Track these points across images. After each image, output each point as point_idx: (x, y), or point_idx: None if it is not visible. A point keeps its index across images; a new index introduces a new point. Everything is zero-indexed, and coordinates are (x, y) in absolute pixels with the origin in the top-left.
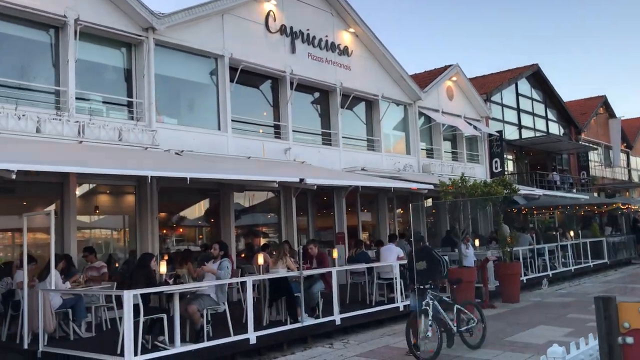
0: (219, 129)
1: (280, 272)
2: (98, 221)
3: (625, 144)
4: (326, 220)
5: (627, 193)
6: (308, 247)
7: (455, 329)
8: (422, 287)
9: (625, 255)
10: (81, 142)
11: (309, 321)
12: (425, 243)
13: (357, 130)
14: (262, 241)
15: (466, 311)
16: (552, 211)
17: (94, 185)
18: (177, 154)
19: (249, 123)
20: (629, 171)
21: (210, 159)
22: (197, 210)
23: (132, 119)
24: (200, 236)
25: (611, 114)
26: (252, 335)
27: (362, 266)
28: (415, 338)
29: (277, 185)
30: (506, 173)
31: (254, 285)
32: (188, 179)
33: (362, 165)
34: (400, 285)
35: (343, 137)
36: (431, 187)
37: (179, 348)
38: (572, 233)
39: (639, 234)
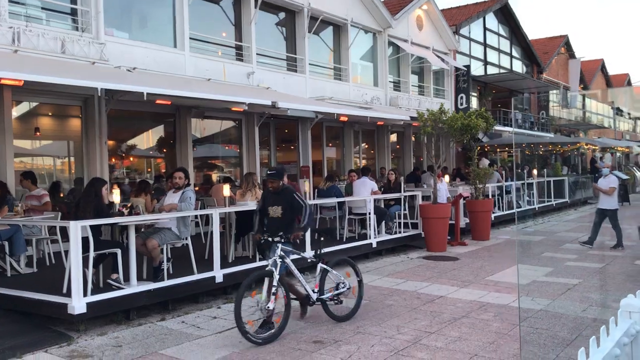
0: (175, 46)
1: (250, 204)
2: (40, 148)
3: (582, 86)
4: (289, 154)
5: (582, 134)
6: None
7: (314, 295)
8: (270, 239)
9: (584, 194)
10: (16, 51)
11: None
12: (291, 183)
13: (324, 58)
14: (214, 176)
15: (335, 272)
16: (517, 149)
17: (34, 104)
18: (128, 70)
19: (209, 42)
20: (584, 113)
21: (166, 79)
22: (150, 138)
23: (76, 29)
24: (149, 169)
25: (572, 54)
26: (218, 273)
27: (336, 200)
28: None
29: (246, 107)
30: (471, 109)
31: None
32: (145, 95)
33: (329, 95)
34: (374, 220)
35: (310, 64)
36: (407, 119)
37: (135, 287)
38: (535, 171)
39: (597, 174)
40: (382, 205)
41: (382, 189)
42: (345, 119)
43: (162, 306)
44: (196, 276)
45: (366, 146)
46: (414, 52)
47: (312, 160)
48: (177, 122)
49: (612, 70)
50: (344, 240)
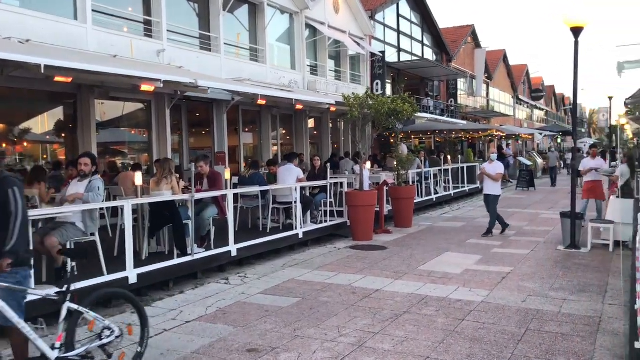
0: (76, 18)
1: (166, 194)
2: None
3: (486, 75)
4: (203, 139)
5: (486, 121)
6: (198, 164)
7: (53, 354)
8: None
9: None
10: None
11: (199, 253)
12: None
13: (240, 38)
14: (121, 164)
15: (94, 314)
16: (430, 135)
17: None
18: (21, 42)
19: (114, 16)
20: (488, 101)
21: (67, 54)
22: (47, 121)
23: None
24: (45, 156)
25: (477, 44)
26: (131, 273)
27: (259, 189)
28: None
29: (161, 85)
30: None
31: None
32: (42, 68)
33: (246, 77)
34: (300, 210)
35: (225, 44)
36: (332, 103)
37: (34, 292)
38: (449, 158)
39: (505, 161)
40: (308, 194)
41: (307, 176)
42: (263, 102)
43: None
44: (106, 277)
45: (284, 131)
46: (331, 35)
47: (228, 146)
48: (79, 103)
49: (512, 61)
50: (268, 231)
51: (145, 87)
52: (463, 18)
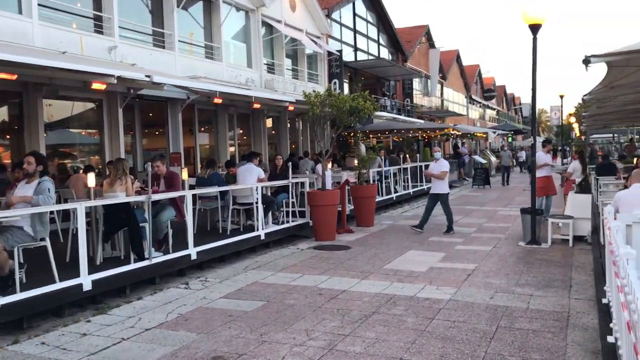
0: (21, 12)
1: (121, 196)
2: None
3: (440, 75)
4: (157, 140)
5: (441, 121)
6: (154, 164)
7: None
8: None
9: (449, 179)
10: None
11: (157, 257)
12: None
13: (195, 35)
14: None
15: None
16: (388, 134)
17: None
18: None
19: (62, 11)
20: (442, 101)
21: (11, 49)
22: None
23: None
24: None
25: (432, 44)
26: (85, 280)
27: (219, 189)
28: None
29: (114, 81)
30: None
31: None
32: None
33: (202, 75)
34: (262, 210)
35: (180, 41)
36: (293, 101)
37: None
38: (408, 157)
39: (460, 159)
40: (269, 194)
41: (268, 176)
42: (220, 101)
43: (15, 325)
44: (58, 285)
45: (241, 131)
46: (287, 33)
47: (184, 147)
48: (25, 103)
49: (465, 61)
50: (228, 233)
51: (96, 86)
52: (417, 18)
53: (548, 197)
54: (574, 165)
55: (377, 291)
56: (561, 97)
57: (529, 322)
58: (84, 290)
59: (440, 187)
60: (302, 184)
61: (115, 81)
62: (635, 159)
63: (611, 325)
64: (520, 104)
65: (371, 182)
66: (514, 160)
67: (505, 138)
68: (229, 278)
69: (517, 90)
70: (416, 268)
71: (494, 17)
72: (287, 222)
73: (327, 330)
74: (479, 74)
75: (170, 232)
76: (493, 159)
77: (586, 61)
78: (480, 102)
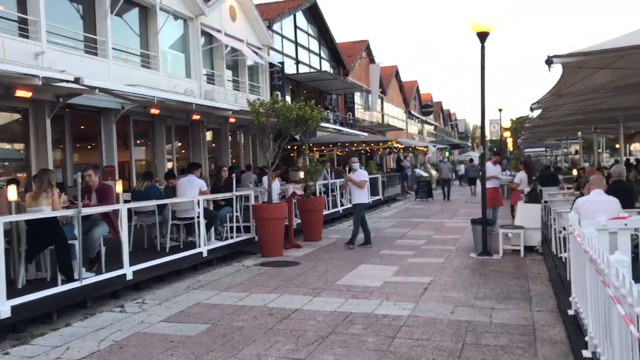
0: None
1: (46, 210)
2: None
3: (380, 90)
4: (89, 154)
5: (382, 135)
6: (86, 173)
7: None
8: None
9: (393, 192)
10: None
11: (89, 278)
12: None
13: (130, 43)
14: None
15: None
16: (332, 148)
17: None
18: None
19: None
20: (383, 115)
21: None
22: None
23: None
24: None
25: (372, 59)
26: (4, 306)
27: (157, 202)
28: None
29: (40, 82)
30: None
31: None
32: None
33: (137, 84)
34: (204, 225)
35: (114, 49)
36: (236, 109)
37: None
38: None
39: (403, 172)
40: (212, 208)
41: (211, 189)
42: (157, 112)
43: None
44: None
45: (180, 144)
46: (228, 43)
47: (118, 162)
48: None
49: (404, 77)
50: (167, 251)
51: (21, 93)
52: (357, 33)
53: (495, 209)
54: (520, 176)
55: (331, 309)
56: (500, 110)
57: (495, 337)
58: (1, 317)
59: (359, 196)
60: (247, 197)
61: (40, 82)
62: (575, 170)
63: (587, 338)
64: (456, 120)
65: (318, 194)
66: (454, 174)
67: (442, 152)
68: (169, 299)
69: (453, 107)
70: (370, 283)
71: (429, 34)
72: (232, 237)
73: (281, 354)
74: (417, 90)
75: (103, 250)
76: (434, 172)
77: (549, 61)
78: (418, 118)
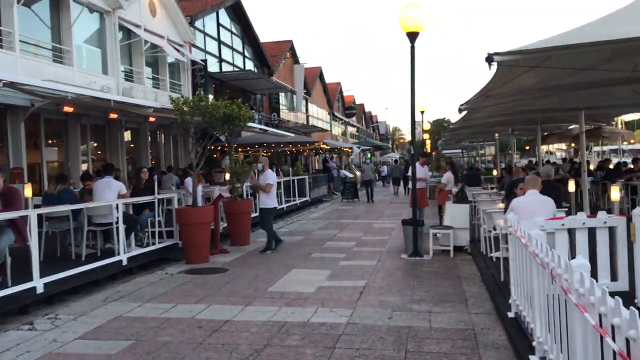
0: None
1: None
2: None
3: (305, 91)
4: None
5: (307, 136)
6: None
7: None
8: None
9: (319, 193)
10: None
11: None
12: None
13: (41, 35)
14: None
15: None
16: (257, 148)
17: None
18: None
19: None
20: (307, 116)
21: None
22: None
23: None
24: None
25: (296, 59)
26: None
27: (71, 207)
28: None
29: None
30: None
31: None
32: None
33: (48, 80)
34: (123, 231)
35: (21, 42)
36: (158, 106)
37: None
38: (281, 171)
39: (330, 173)
40: (131, 212)
41: (130, 192)
42: (71, 109)
43: None
44: None
45: (95, 145)
46: (148, 39)
47: (28, 164)
48: None
49: (327, 79)
50: (83, 259)
51: None
52: (281, 34)
53: (422, 209)
54: (447, 176)
55: (265, 319)
56: (422, 112)
57: (437, 343)
58: None
59: (265, 201)
60: (169, 200)
61: None
62: (495, 171)
63: (534, 343)
64: (377, 122)
65: (245, 196)
66: (377, 175)
67: (365, 154)
68: (86, 313)
69: (374, 109)
70: (304, 289)
71: (352, 36)
72: (153, 243)
73: None
74: (341, 92)
75: (9, 260)
76: (358, 173)
77: (489, 59)
78: (342, 119)
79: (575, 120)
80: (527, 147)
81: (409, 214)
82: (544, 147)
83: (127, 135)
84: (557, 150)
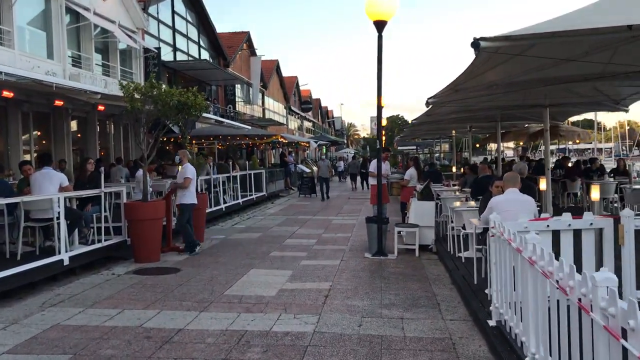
0: None
1: None
2: None
3: (262, 84)
4: None
5: (264, 129)
6: None
7: None
8: None
9: (276, 188)
10: None
11: None
12: None
13: None
14: None
15: None
16: (212, 141)
17: None
18: None
19: None
20: (264, 110)
21: None
22: None
23: None
24: None
25: (253, 51)
26: None
27: (5, 201)
28: None
29: None
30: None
31: None
32: None
33: None
34: (65, 228)
35: None
36: (110, 93)
37: None
38: (237, 165)
39: (287, 168)
40: (75, 206)
41: (74, 184)
42: (10, 94)
43: None
44: None
45: (39, 134)
46: (97, 23)
47: None
48: None
49: (284, 72)
50: (19, 259)
51: None
52: (238, 24)
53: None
54: (411, 173)
55: (222, 327)
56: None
57: (414, 356)
58: None
59: (183, 196)
60: (118, 194)
61: None
62: (454, 167)
63: (527, 359)
64: (333, 117)
65: (199, 191)
66: (333, 170)
67: (320, 149)
68: (19, 321)
69: (331, 104)
70: (264, 292)
71: (308, 29)
72: (99, 241)
73: None
74: (297, 86)
75: None
76: (315, 168)
77: (475, 44)
78: (298, 114)
79: (534, 118)
80: (478, 145)
81: (368, 211)
82: (493, 146)
83: (74, 125)
84: (506, 148)
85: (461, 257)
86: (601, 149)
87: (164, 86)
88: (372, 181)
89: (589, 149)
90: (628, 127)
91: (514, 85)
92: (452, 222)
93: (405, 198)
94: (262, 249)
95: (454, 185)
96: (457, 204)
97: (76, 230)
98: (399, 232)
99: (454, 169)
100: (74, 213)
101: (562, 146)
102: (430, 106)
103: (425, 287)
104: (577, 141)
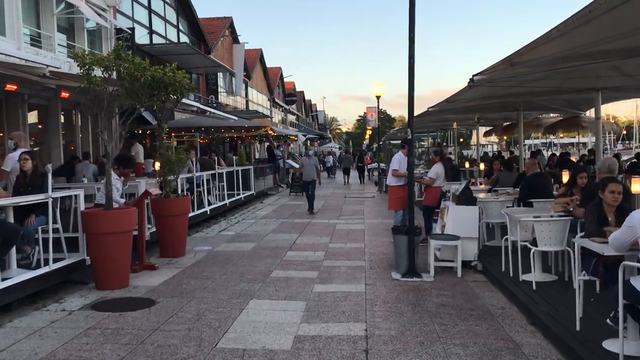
0: None
1: None
2: None
3: (245, 73)
4: None
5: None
6: None
7: None
8: None
9: (265, 185)
10: None
11: None
12: None
13: None
14: None
15: None
16: (194, 133)
17: None
18: None
19: None
20: (247, 101)
21: None
22: None
23: None
24: None
25: (235, 39)
26: None
27: None
28: None
29: None
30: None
31: None
32: None
33: None
34: None
35: None
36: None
37: None
38: (223, 160)
39: (276, 163)
40: (13, 218)
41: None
42: None
43: None
44: None
45: None
46: None
47: None
48: None
49: (268, 63)
50: None
51: None
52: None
53: (405, 211)
54: (437, 169)
55: None
56: (377, 97)
57: None
58: None
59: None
60: (76, 197)
61: None
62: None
63: None
64: (316, 110)
65: (181, 192)
66: (321, 166)
67: (305, 144)
68: None
69: (314, 97)
70: (274, 342)
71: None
72: (47, 262)
73: None
74: (281, 77)
75: None
76: (297, 166)
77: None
78: (282, 106)
79: (555, 107)
80: (462, 140)
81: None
82: (475, 139)
83: (33, 116)
84: (487, 142)
85: (531, 282)
86: (585, 143)
87: (136, 58)
88: (398, 181)
89: (573, 143)
90: (614, 121)
91: (572, 59)
92: (512, 234)
93: (429, 201)
94: (260, 266)
95: (481, 183)
96: (504, 208)
97: (13, 249)
98: (436, 247)
99: (466, 165)
100: (10, 228)
101: (545, 140)
102: (466, 89)
103: (498, 332)
104: (561, 135)
